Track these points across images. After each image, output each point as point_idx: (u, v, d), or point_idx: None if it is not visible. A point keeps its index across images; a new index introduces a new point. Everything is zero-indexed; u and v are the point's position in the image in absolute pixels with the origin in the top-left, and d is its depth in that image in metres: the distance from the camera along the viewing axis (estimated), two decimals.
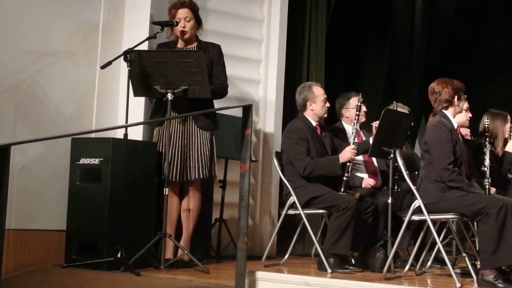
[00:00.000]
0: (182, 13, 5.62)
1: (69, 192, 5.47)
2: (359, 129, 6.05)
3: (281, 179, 5.98)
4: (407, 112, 6.35)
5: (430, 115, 5.97)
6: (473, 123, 6.14)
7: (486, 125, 5.68)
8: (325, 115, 6.04)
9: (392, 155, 5.50)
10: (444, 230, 6.14)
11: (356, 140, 5.82)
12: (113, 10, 6.10)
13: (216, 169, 5.73)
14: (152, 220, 5.52)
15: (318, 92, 5.97)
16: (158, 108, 5.65)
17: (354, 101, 6.28)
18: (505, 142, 6.14)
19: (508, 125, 6.14)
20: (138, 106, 5.88)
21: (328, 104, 6.00)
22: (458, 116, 5.37)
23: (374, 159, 6.24)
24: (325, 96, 5.99)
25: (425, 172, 5.15)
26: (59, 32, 5.76)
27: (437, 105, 5.25)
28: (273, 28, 7.13)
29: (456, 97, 5.21)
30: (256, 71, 7.08)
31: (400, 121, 5.85)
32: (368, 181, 6.11)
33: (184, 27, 5.61)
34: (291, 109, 6.82)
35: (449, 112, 5.21)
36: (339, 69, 8.85)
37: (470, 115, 6.04)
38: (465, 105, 5.84)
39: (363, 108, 6.05)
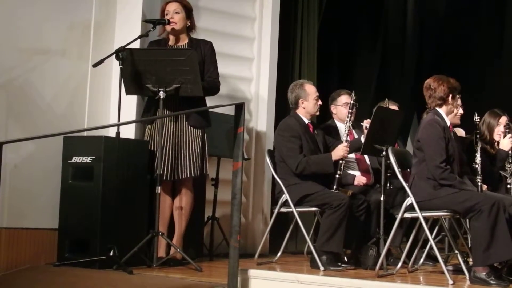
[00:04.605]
0: (171, 6, 5.65)
1: (61, 191, 5.46)
2: (351, 127, 6.05)
3: (273, 177, 5.98)
4: (397, 109, 6.38)
5: (423, 112, 5.98)
6: (466, 121, 6.16)
7: (476, 122, 5.70)
8: (317, 113, 6.05)
9: (384, 152, 5.50)
10: (437, 227, 6.15)
11: (348, 138, 5.82)
12: (105, 8, 6.09)
13: (208, 167, 5.73)
14: (144, 219, 5.52)
15: (310, 90, 5.97)
16: (149, 106, 5.65)
17: (343, 98, 6.31)
18: (497, 143, 6.16)
19: (501, 127, 6.14)
20: (130, 105, 5.87)
21: (320, 102, 6.00)
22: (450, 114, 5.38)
23: (366, 157, 6.25)
24: (317, 94, 6.00)
25: (417, 170, 5.16)
26: (51, 30, 5.75)
27: (431, 102, 5.25)
28: (265, 26, 7.14)
29: (450, 95, 5.21)
30: (248, 69, 7.09)
31: (392, 119, 5.86)
32: (360, 179, 6.11)
33: (172, 18, 5.61)
34: (283, 107, 6.83)
35: (442, 110, 5.22)
36: (331, 67, 8.86)
37: (462, 111, 6.06)
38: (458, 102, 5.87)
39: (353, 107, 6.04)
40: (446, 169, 5.00)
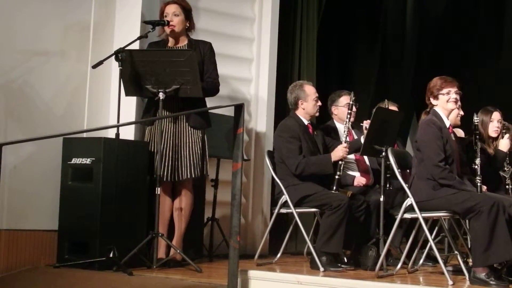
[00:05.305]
0: (171, 8, 5.65)
1: (61, 192, 5.45)
2: (351, 127, 6.06)
3: (273, 178, 5.98)
4: (397, 110, 6.38)
5: (423, 113, 5.98)
6: (465, 122, 6.16)
7: (475, 123, 5.70)
8: (317, 114, 6.05)
9: (383, 153, 5.50)
10: (436, 228, 6.15)
11: (348, 139, 5.82)
12: (104, 9, 6.09)
13: (208, 168, 5.73)
14: (144, 220, 5.51)
15: (310, 90, 5.97)
16: (149, 107, 5.65)
17: (344, 99, 6.31)
18: (493, 140, 6.15)
19: (494, 123, 6.13)
20: (130, 106, 5.87)
21: (319, 103, 6.00)
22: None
23: (366, 158, 6.25)
24: (317, 94, 6.00)
25: (417, 170, 5.16)
26: (50, 31, 5.74)
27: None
28: (264, 27, 7.14)
29: (431, 96, 5.22)
30: (248, 70, 7.08)
31: (392, 119, 5.86)
32: (360, 180, 6.11)
33: (171, 21, 5.61)
34: (283, 107, 6.84)
35: (440, 111, 5.21)
36: (330, 68, 8.87)
37: (462, 113, 6.06)
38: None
39: (353, 108, 6.04)
40: (445, 169, 5.00)
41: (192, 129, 5.58)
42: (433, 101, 5.23)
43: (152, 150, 5.55)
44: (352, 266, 5.59)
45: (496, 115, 6.15)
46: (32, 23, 5.64)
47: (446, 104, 5.19)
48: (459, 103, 5.88)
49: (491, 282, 4.72)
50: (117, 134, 5.32)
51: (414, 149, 5.26)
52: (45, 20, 5.72)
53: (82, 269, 5.10)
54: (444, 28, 10.07)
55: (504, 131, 6.09)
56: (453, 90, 5.19)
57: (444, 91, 5.19)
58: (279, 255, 6.09)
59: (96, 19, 6.03)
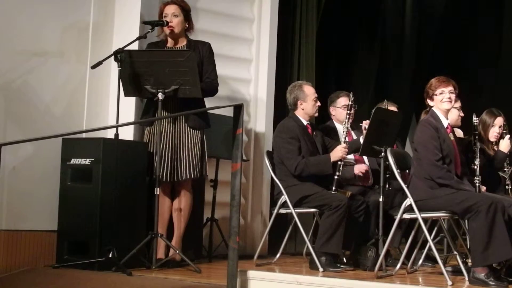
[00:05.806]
0: (170, 9, 5.65)
1: (60, 192, 5.45)
2: (350, 128, 6.05)
3: (272, 178, 5.98)
4: (396, 110, 6.38)
5: (422, 113, 5.98)
6: (464, 122, 6.17)
7: (475, 124, 5.70)
8: (316, 114, 6.05)
9: (383, 153, 5.50)
10: (435, 228, 6.15)
11: (347, 139, 5.82)
12: (103, 10, 6.09)
13: (208, 168, 5.73)
14: (143, 220, 5.51)
15: (309, 91, 5.97)
16: (149, 107, 5.65)
17: (342, 100, 6.31)
18: (493, 143, 6.14)
19: (495, 128, 6.11)
20: (129, 106, 5.87)
21: (318, 103, 6.00)
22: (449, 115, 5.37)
23: (365, 158, 6.24)
24: (316, 95, 6.00)
25: (415, 170, 5.17)
26: (49, 32, 5.75)
27: None
28: (263, 27, 7.14)
29: (427, 98, 5.23)
30: (247, 71, 7.08)
31: (391, 120, 5.86)
32: (360, 168, 6.08)
33: (170, 21, 5.61)
34: (282, 108, 6.83)
35: (438, 111, 5.21)
36: (329, 68, 8.87)
37: (462, 114, 6.05)
38: (457, 104, 5.85)
39: (352, 109, 6.02)
40: (443, 168, 5.01)
41: (191, 129, 5.58)
42: (429, 102, 5.24)
43: (151, 150, 5.55)
44: (352, 266, 5.59)
45: (499, 121, 6.12)
46: (32, 24, 5.65)
47: (441, 104, 5.19)
48: (458, 103, 5.91)
49: (490, 282, 4.73)
50: (116, 135, 5.31)
51: (413, 149, 5.27)
52: (45, 21, 5.73)
53: (82, 269, 5.10)
54: (444, 28, 10.07)
55: (504, 131, 6.08)
56: (446, 90, 5.18)
57: (438, 91, 5.19)
58: (278, 255, 6.08)
59: (95, 20, 6.03)
